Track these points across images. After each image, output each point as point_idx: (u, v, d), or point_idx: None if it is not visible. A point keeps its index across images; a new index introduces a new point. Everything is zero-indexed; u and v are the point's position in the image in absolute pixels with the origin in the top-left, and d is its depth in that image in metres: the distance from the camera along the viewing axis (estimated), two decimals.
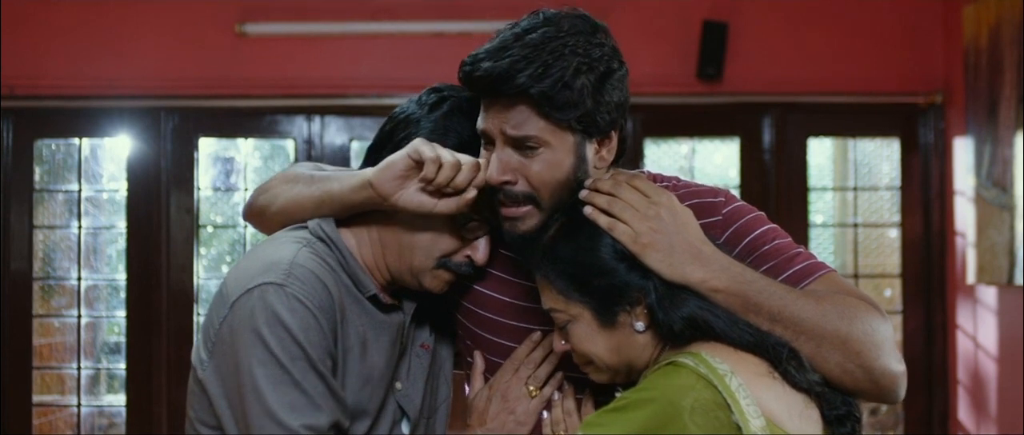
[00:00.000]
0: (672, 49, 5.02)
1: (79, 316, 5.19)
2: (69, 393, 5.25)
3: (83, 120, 5.13)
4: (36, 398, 5.17)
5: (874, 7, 5.05)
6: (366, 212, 1.79)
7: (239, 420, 1.65)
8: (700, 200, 1.77)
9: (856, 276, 5.22)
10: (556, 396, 1.82)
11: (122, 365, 5.15)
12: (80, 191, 5.19)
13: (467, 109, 1.76)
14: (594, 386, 1.77)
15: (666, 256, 1.62)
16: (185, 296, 5.06)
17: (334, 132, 5.12)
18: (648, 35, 5.03)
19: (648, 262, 1.62)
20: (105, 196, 5.29)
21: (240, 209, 4.17)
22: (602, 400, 1.72)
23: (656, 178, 1.83)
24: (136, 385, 5.08)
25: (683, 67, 5.00)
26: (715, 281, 1.62)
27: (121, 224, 5.15)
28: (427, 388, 1.89)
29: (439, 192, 1.69)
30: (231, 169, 5.56)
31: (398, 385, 1.84)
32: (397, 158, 1.70)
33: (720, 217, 1.77)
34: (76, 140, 5.19)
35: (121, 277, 5.17)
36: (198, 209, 5.14)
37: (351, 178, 1.76)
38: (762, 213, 1.81)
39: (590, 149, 1.71)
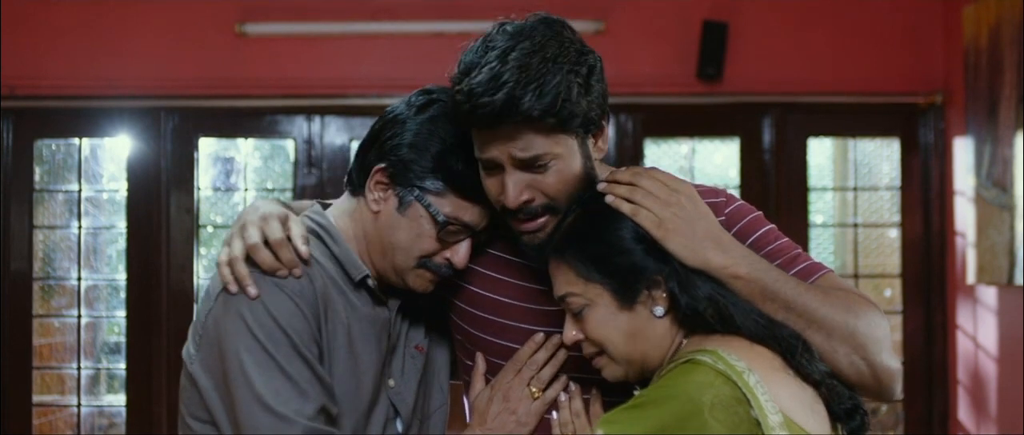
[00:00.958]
0: (672, 49, 5.02)
1: (79, 316, 5.19)
2: (69, 393, 5.25)
3: (83, 120, 5.13)
4: (36, 398, 5.17)
5: (874, 7, 5.05)
6: (351, 209, 1.83)
7: (228, 409, 1.67)
8: (703, 200, 1.77)
9: (856, 276, 5.22)
10: (563, 397, 1.82)
11: (122, 365, 5.15)
12: (80, 191, 5.19)
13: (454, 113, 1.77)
14: (602, 387, 1.77)
15: (689, 241, 1.64)
16: (185, 296, 5.06)
17: (334, 132, 5.12)
18: (648, 35, 5.03)
19: (670, 247, 1.63)
20: (105, 196, 5.29)
21: (240, 209, 4.17)
22: (611, 401, 1.72)
23: None
24: (136, 385, 5.08)
25: (683, 67, 5.00)
26: (736, 267, 1.64)
27: (121, 224, 5.15)
28: (420, 390, 1.90)
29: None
30: (231, 169, 5.57)
31: (391, 382, 1.85)
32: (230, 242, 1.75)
33: (723, 217, 1.78)
34: (76, 140, 5.19)
35: (121, 277, 5.17)
36: (198, 209, 5.14)
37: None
38: (761, 213, 1.83)
39: (590, 143, 1.74)
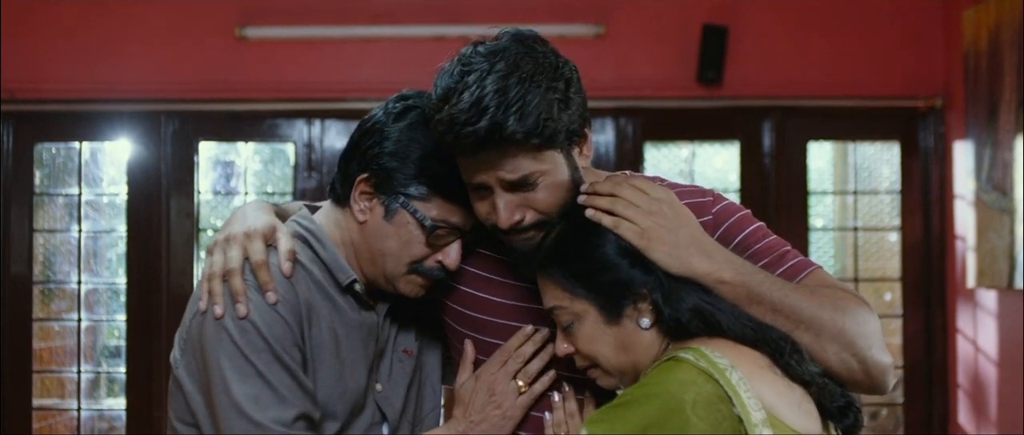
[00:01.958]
0: (672, 53, 5.02)
1: (79, 320, 5.19)
2: (69, 397, 5.25)
3: (83, 124, 5.13)
4: (36, 402, 5.17)
5: (874, 11, 5.05)
6: (338, 218, 1.83)
7: (210, 414, 1.69)
8: (690, 200, 1.78)
9: (856, 280, 5.21)
10: (556, 398, 1.81)
11: (122, 369, 5.16)
12: (80, 195, 5.19)
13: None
14: (595, 387, 1.77)
15: (672, 249, 1.64)
16: (185, 300, 4.94)
17: (334, 136, 5.13)
18: (648, 39, 5.03)
19: (654, 256, 1.63)
20: (105, 200, 5.29)
21: None
22: (604, 401, 1.71)
23: None
24: (136, 389, 5.08)
25: (683, 71, 5.00)
26: (721, 272, 1.64)
27: (121, 228, 5.15)
28: (409, 394, 1.90)
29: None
30: (231, 173, 5.56)
31: (378, 386, 1.85)
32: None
33: (710, 216, 1.79)
34: (76, 144, 5.20)
35: (121, 281, 5.17)
36: (198, 213, 5.14)
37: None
38: (748, 211, 1.83)
39: (575, 152, 1.74)
